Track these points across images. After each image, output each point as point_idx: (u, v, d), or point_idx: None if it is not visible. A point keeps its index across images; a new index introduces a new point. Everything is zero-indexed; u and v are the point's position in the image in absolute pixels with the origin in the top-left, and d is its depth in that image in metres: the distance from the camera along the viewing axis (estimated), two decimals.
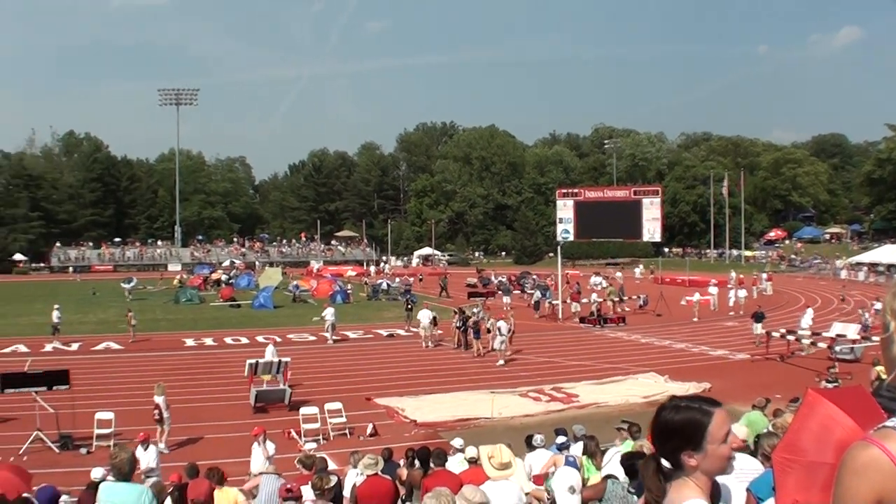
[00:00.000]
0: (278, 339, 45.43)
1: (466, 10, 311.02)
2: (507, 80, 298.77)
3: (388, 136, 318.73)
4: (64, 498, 15.03)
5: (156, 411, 24.40)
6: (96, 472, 16.05)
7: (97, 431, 24.81)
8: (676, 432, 3.64)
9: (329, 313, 47.85)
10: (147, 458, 19.11)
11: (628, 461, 11.48)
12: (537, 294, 62.78)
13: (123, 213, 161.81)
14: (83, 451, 24.31)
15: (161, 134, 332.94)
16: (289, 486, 11.59)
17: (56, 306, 48.36)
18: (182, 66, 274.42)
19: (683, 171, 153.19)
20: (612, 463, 13.73)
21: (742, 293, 62.37)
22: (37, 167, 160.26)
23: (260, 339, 48.02)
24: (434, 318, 46.91)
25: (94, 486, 15.75)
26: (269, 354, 33.24)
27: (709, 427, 3.59)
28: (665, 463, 3.79)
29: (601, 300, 60.16)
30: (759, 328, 44.40)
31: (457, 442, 17.16)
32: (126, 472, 10.32)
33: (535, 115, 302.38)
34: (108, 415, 25.43)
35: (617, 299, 61.60)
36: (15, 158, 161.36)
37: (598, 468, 14.53)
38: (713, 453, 3.60)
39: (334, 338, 47.47)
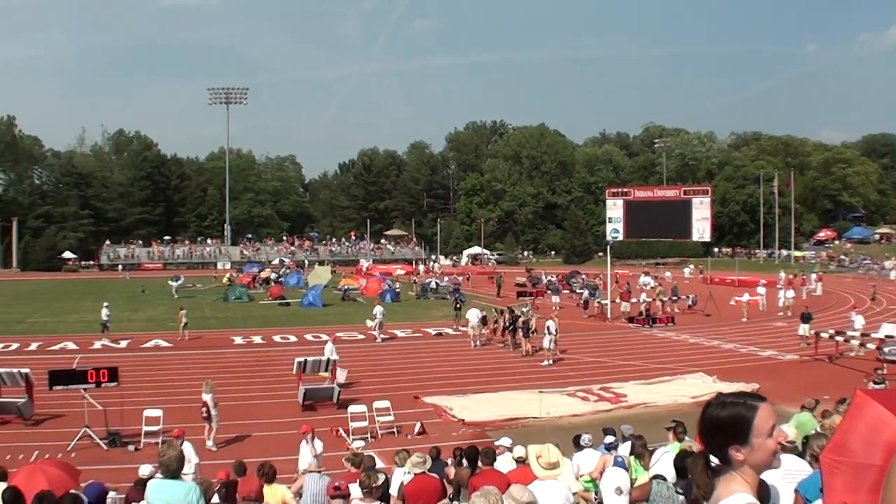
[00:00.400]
0: (341, 335, 45.72)
1: (516, 9, 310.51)
2: (557, 78, 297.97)
3: (437, 134, 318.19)
4: (112, 494, 15.09)
5: (203, 409, 24.50)
6: (144, 469, 16.15)
7: (145, 428, 24.95)
8: (723, 428, 3.72)
9: (378, 311, 47.95)
10: (187, 452, 19.23)
11: (680, 461, 11.43)
12: (586, 293, 62.60)
13: (173, 211, 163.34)
14: (131, 447, 24.46)
15: (210, 133, 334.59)
16: (337, 483, 11.62)
17: (105, 304, 48.63)
18: (231, 65, 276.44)
19: (733, 171, 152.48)
20: (660, 463, 13.68)
21: (790, 294, 61.72)
22: (87, 166, 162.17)
23: (308, 336, 48.36)
24: (483, 317, 46.88)
25: (141, 483, 15.82)
26: (328, 351, 33.52)
27: (754, 421, 3.67)
28: (713, 459, 3.87)
29: (650, 300, 59.90)
30: (805, 329, 43.98)
31: (504, 441, 17.12)
32: (174, 469, 10.39)
33: (585, 114, 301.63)
34: (156, 412, 25.55)
35: (665, 299, 61.35)
36: (65, 157, 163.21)
37: (646, 468, 14.48)
38: (760, 447, 3.67)
39: (382, 336, 47.54)
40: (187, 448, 19.51)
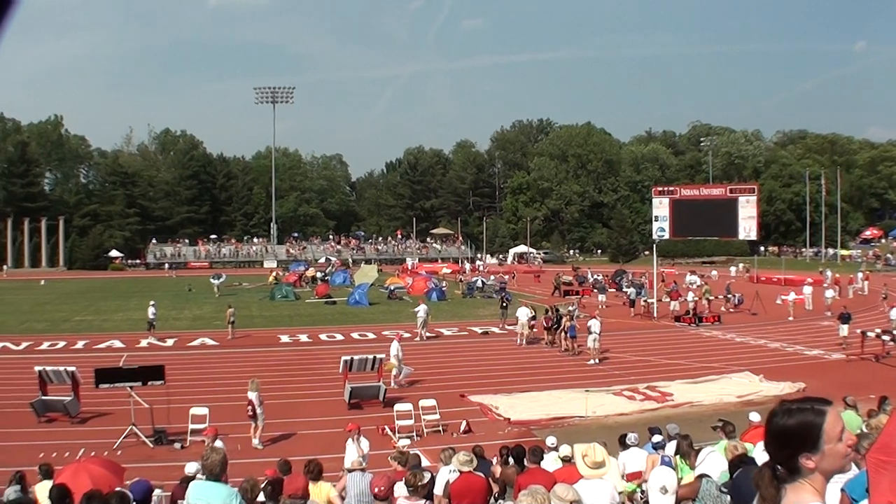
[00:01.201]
0: (405, 334, 45.86)
1: (561, 8, 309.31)
2: (603, 76, 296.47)
3: (483, 133, 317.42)
4: (157, 492, 15.20)
5: (249, 407, 24.61)
6: (190, 467, 16.27)
7: (191, 426, 25.07)
8: (793, 436, 3.65)
9: (421, 310, 48.04)
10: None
11: (736, 467, 11.38)
12: (632, 292, 62.42)
13: (219, 210, 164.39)
14: (177, 445, 24.62)
15: (257, 132, 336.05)
16: (377, 489, 11.66)
17: (151, 303, 48.99)
18: (278, 64, 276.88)
19: (779, 170, 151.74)
20: (707, 462, 13.67)
21: (829, 293, 61.18)
22: (133, 165, 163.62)
23: (355, 335, 48.67)
24: (532, 316, 46.83)
25: (187, 481, 15.97)
26: (395, 349, 33.90)
27: (823, 426, 3.61)
28: (778, 468, 3.78)
29: (697, 299, 59.66)
30: (845, 329, 43.47)
31: (550, 440, 17.14)
32: (217, 472, 10.49)
33: (631, 113, 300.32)
34: (202, 410, 25.73)
35: (712, 298, 61.08)
36: (112, 156, 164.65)
37: (692, 468, 14.47)
38: (831, 452, 3.61)
39: (427, 334, 47.61)
40: (218, 447, 19.68)
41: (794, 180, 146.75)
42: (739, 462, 11.08)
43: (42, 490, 13.65)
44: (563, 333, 43.22)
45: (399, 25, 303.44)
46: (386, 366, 33.24)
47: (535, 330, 46.76)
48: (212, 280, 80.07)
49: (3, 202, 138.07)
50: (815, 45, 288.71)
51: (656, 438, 16.84)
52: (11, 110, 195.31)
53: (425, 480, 11.63)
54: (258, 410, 24.59)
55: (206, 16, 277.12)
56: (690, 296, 59.59)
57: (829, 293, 61.08)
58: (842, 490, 6.84)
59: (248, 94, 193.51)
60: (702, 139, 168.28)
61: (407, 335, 47.15)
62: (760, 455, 13.87)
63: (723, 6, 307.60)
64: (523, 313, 46.06)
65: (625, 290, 68.21)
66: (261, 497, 11.93)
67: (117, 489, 13.15)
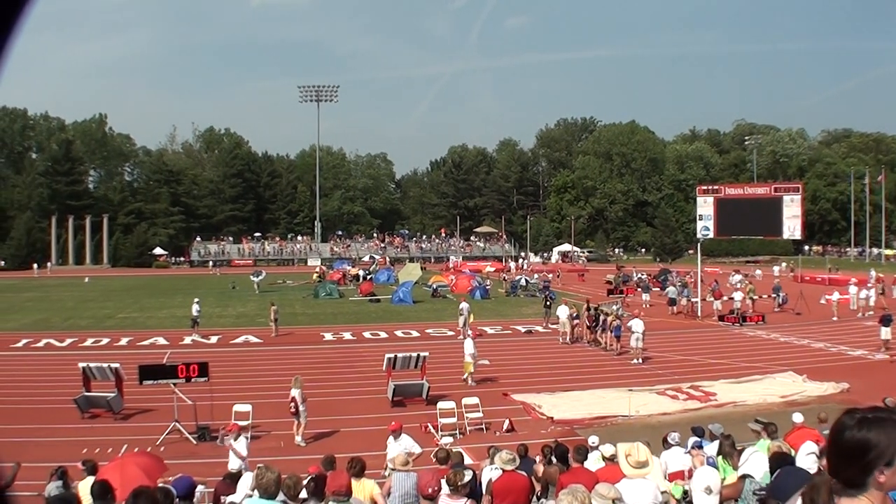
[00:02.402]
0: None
1: (605, 6, 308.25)
2: (648, 75, 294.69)
3: (527, 131, 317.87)
4: (200, 488, 15.29)
5: (292, 404, 24.73)
6: (233, 463, 16.38)
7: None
8: (870, 449, 3.34)
9: (464, 308, 48.00)
10: (239, 447, 19.45)
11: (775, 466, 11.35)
12: (672, 291, 62.20)
13: (263, 208, 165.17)
14: (220, 442, 24.82)
15: (301, 130, 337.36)
16: (429, 490, 11.67)
17: (196, 300, 49.40)
18: (322, 63, 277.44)
19: (824, 169, 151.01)
20: (750, 462, 13.64)
21: (863, 293, 60.65)
22: (178, 163, 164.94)
23: (399, 333, 48.83)
24: (573, 315, 46.71)
25: (230, 477, 16.12)
26: (469, 347, 34.09)
27: None
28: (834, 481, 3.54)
29: (744, 297, 59.34)
30: (887, 332, 42.87)
31: (592, 440, 17.11)
32: (273, 492, 10.68)
33: (675, 111, 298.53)
34: (245, 407, 25.92)
35: (756, 297, 60.76)
36: (156, 154, 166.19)
37: (735, 468, 14.43)
38: None
39: (469, 332, 47.59)
40: (241, 443, 19.74)
41: (838, 179, 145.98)
42: (778, 462, 11.04)
43: (85, 486, 13.76)
44: (608, 332, 43.08)
45: (442, 24, 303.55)
46: (465, 367, 33.55)
47: (577, 329, 46.63)
48: (252, 277, 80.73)
49: (47, 200, 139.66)
50: (859, 42, 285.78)
51: (694, 439, 16.83)
52: (56, 109, 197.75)
53: (466, 479, 11.67)
54: (301, 408, 24.71)
55: (249, 15, 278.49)
56: (738, 295, 59.20)
57: (862, 294, 60.47)
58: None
59: (292, 93, 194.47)
60: (746, 138, 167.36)
61: (450, 333, 47.37)
62: (804, 459, 13.87)
63: (768, 4, 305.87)
64: (563, 312, 46.00)
65: (666, 289, 67.95)
66: (303, 494, 12.00)
67: (161, 485, 13.29)
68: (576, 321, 46.61)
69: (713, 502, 12.84)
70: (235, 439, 19.58)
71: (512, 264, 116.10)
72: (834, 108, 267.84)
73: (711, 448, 16.12)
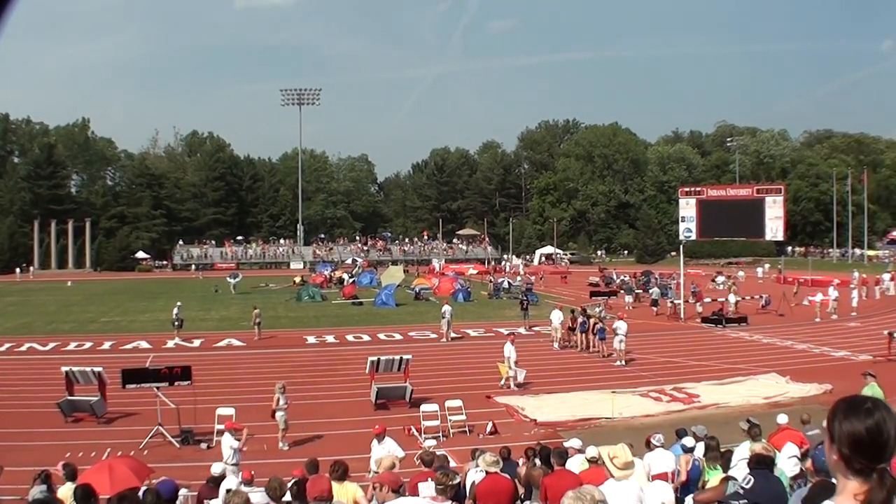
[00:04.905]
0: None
1: (587, 9, 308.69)
2: (629, 77, 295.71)
3: (510, 133, 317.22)
4: (183, 491, 15.30)
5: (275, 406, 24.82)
6: (216, 467, 16.36)
7: (218, 427, 24.93)
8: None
9: (446, 311, 48.01)
10: (232, 442, 19.54)
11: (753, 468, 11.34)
12: (655, 292, 62.30)
13: (246, 211, 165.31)
14: (203, 445, 24.85)
15: (283, 133, 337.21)
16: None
17: (177, 304, 49.55)
18: (304, 66, 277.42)
19: (806, 170, 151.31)
20: (741, 465, 13.67)
21: (833, 294, 60.31)
22: (160, 166, 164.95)
23: (381, 336, 48.88)
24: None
25: (213, 481, 16.11)
26: (508, 351, 34.21)
27: None
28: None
29: (738, 299, 59.47)
30: None
31: (574, 442, 17.10)
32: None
33: (657, 113, 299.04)
34: (228, 410, 25.85)
35: (738, 299, 60.84)
36: (138, 158, 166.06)
37: (724, 469, 14.47)
38: None
39: (452, 335, 47.61)
40: (227, 439, 19.78)
41: (820, 180, 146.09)
42: (757, 464, 11.03)
43: (67, 491, 13.75)
44: (591, 335, 43.10)
45: (425, 27, 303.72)
46: (500, 370, 33.59)
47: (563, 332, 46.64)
48: (228, 279, 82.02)
49: (29, 204, 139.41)
50: (841, 44, 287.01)
51: (688, 442, 16.78)
52: (38, 113, 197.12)
53: (455, 481, 11.67)
54: (278, 414, 24.72)
55: (232, 18, 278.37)
56: (732, 298, 59.22)
57: (833, 294, 59.54)
58: None
59: (274, 96, 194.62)
60: (728, 139, 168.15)
61: (432, 336, 47.38)
62: (785, 462, 13.93)
63: (749, 6, 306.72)
64: (556, 317, 45.73)
65: (649, 291, 68.05)
66: (287, 497, 12.01)
67: (152, 487, 13.29)
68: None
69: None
70: (221, 437, 19.62)
71: (508, 266, 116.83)
72: (815, 109, 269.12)
73: (697, 450, 16.15)
